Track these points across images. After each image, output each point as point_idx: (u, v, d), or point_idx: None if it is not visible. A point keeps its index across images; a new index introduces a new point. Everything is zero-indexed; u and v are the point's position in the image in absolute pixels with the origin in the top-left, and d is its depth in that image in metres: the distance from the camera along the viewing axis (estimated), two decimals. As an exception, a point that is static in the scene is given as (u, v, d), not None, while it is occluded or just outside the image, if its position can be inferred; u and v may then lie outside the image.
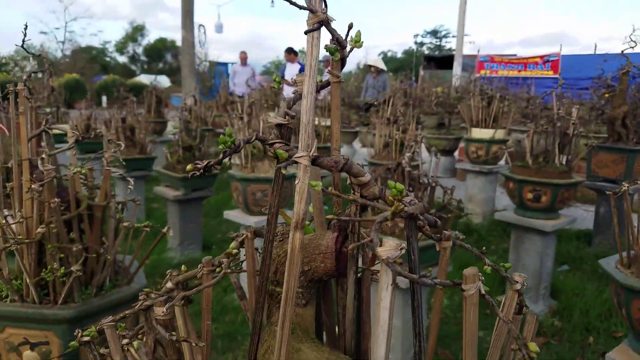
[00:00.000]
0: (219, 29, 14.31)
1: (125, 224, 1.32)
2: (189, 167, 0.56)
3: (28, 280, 1.25)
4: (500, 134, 4.64)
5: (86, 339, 0.68)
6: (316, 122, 4.56)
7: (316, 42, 0.51)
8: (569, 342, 2.90)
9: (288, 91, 7.69)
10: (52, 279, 1.24)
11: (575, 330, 3.00)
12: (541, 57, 12.32)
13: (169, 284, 0.67)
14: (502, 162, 4.90)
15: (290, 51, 8.25)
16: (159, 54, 38.85)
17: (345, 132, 6.75)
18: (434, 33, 43.89)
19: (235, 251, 0.69)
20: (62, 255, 1.20)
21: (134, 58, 40.54)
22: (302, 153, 0.52)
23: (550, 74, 12.60)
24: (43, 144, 1.34)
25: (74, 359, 1.25)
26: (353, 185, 0.58)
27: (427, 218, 0.54)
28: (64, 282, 1.26)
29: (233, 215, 3.35)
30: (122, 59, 40.31)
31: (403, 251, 0.47)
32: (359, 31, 0.58)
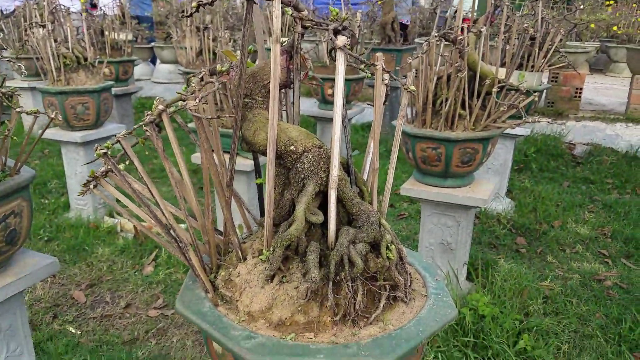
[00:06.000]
0: None
1: (18, 109, 1.38)
2: None
3: None
4: (294, 42, 5.17)
5: (104, 151, 0.90)
6: (122, 37, 4.41)
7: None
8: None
9: None
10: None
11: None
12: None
13: (160, 106, 0.92)
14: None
15: None
16: None
17: (140, 48, 6.52)
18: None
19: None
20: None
21: None
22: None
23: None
24: None
25: None
26: (296, 20, 0.92)
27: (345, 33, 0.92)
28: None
29: (51, 133, 3.22)
30: None
31: (349, 41, 0.84)
32: None
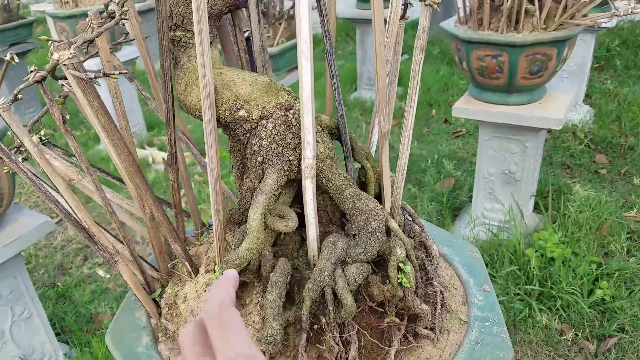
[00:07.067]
0: None
1: None
2: None
3: None
4: None
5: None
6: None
7: None
8: (416, 118, 3.32)
9: None
10: None
11: (420, 107, 3.41)
12: None
13: (58, 55, 0.60)
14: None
15: None
16: None
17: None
18: None
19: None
20: None
21: None
22: None
23: None
24: None
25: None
26: None
27: None
28: None
29: (70, 60, 2.99)
30: None
31: None
32: None
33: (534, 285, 1.79)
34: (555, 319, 1.73)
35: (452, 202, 2.35)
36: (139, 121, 3.27)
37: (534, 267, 1.82)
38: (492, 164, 2.05)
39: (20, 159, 0.71)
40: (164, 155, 3.04)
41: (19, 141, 0.71)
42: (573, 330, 1.71)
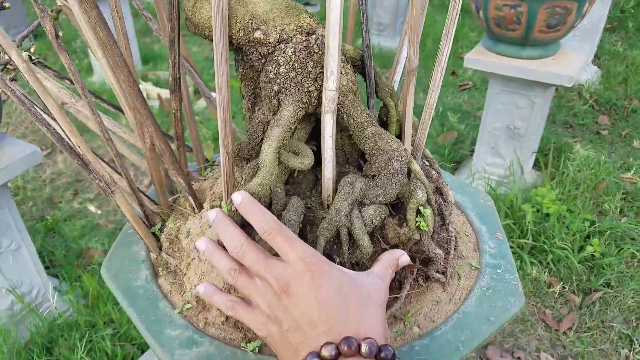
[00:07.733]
0: None
1: None
2: None
3: None
4: None
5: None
6: None
7: None
8: (424, 68, 3.23)
9: None
10: None
11: (428, 58, 3.32)
12: None
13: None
14: None
15: None
16: None
17: None
18: None
19: None
20: None
21: None
22: None
23: None
24: None
25: None
26: None
27: None
28: None
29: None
30: None
31: None
32: None
33: (528, 239, 1.80)
34: (544, 272, 1.75)
35: (453, 155, 2.32)
36: (134, 53, 3.15)
37: (529, 222, 1.83)
38: (498, 118, 2.01)
39: (7, 77, 0.65)
40: (159, 91, 2.95)
41: (6, 57, 0.65)
42: (561, 283, 1.73)
